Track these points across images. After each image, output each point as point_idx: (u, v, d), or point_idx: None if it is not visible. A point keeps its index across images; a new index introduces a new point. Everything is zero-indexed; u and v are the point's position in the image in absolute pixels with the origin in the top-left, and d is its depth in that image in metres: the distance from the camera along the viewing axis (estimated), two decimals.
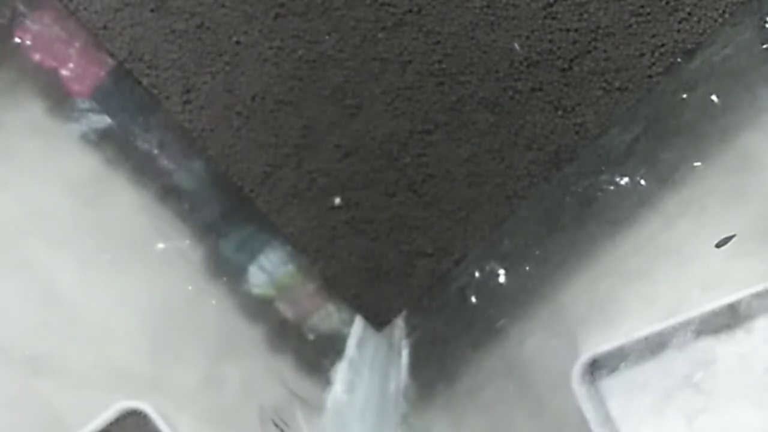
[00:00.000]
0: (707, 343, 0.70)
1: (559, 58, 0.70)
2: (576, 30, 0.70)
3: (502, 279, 0.72)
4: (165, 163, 0.73)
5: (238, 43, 0.71)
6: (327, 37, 0.70)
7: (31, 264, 0.73)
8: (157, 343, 0.73)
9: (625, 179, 0.72)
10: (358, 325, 0.71)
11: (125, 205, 0.73)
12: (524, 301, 0.72)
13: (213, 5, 0.71)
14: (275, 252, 0.72)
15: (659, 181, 0.72)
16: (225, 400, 0.73)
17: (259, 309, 0.73)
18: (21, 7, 0.73)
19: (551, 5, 0.70)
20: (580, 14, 0.70)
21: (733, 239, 0.71)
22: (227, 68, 0.71)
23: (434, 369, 0.72)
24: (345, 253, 0.70)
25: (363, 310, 0.71)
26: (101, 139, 0.73)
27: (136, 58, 0.71)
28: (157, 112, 0.72)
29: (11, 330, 0.72)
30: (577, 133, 0.70)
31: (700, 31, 0.70)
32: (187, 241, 0.73)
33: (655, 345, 0.70)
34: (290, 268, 0.72)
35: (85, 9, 0.71)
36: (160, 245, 0.73)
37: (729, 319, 0.70)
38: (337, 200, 0.70)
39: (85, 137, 0.73)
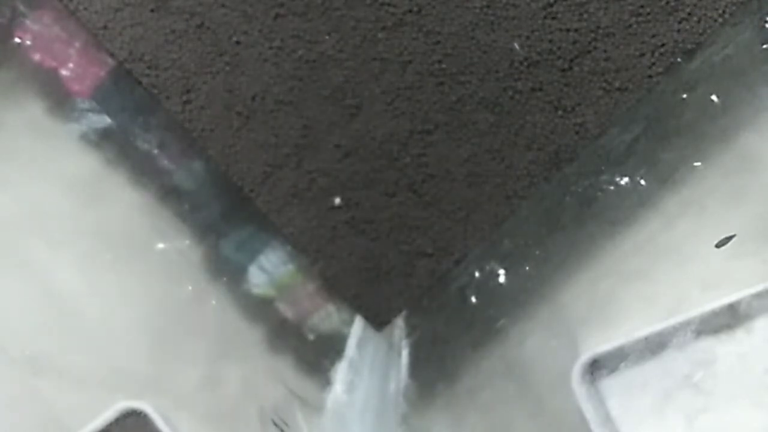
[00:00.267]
0: (707, 343, 0.70)
1: (559, 58, 0.70)
2: (576, 30, 0.70)
3: (502, 279, 0.72)
4: (165, 163, 0.73)
5: (238, 43, 0.71)
6: (327, 37, 0.70)
7: (31, 264, 0.73)
8: (156, 343, 0.73)
9: (625, 179, 0.72)
10: (358, 325, 0.71)
11: (125, 205, 0.73)
12: (524, 301, 0.72)
13: (213, 5, 0.71)
14: (275, 252, 0.72)
15: (659, 181, 0.72)
16: (225, 400, 0.73)
17: (259, 309, 0.73)
18: (21, 7, 0.73)
19: (551, 5, 0.70)
20: (580, 14, 0.70)
21: (733, 239, 0.71)
22: (227, 68, 0.71)
23: (434, 369, 0.72)
24: (345, 253, 0.70)
25: (363, 310, 0.71)
26: (101, 139, 0.73)
27: (136, 58, 0.71)
28: (157, 112, 0.72)
29: (11, 330, 0.72)
30: (577, 133, 0.70)
31: (700, 31, 0.70)
32: (187, 241, 0.73)
33: (655, 345, 0.70)
34: (290, 268, 0.72)
35: (85, 9, 0.71)
36: (160, 245, 0.73)
37: (729, 319, 0.70)
38: (337, 200, 0.70)
39: (85, 137, 0.73)
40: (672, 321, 0.70)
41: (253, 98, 0.71)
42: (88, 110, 0.73)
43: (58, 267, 0.73)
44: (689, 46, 0.70)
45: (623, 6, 0.70)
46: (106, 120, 0.73)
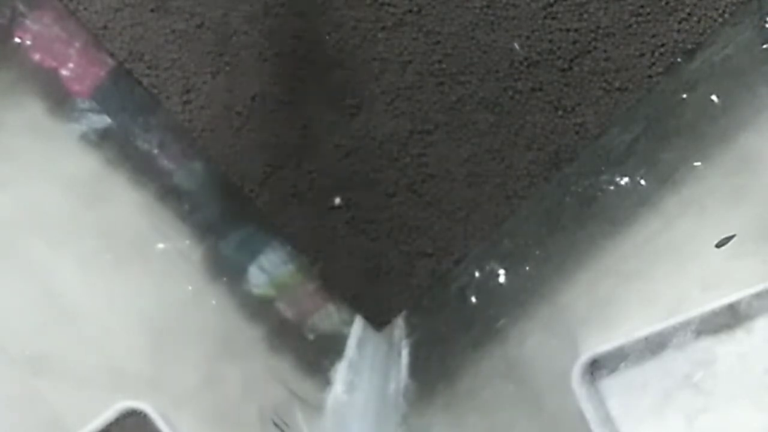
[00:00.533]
0: (707, 343, 0.70)
1: (559, 58, 0.70)
2: (576, 30, 0.70)
3: (502, 279, 0.72)
4: (165, 163, 0.73)
5: (238, 43, 0.71)
6: (327, 37, 0.70)
7: (31, 264, 0.73)
8: (156, 343, 0.73)
9: (625, 179, 0.72)
10: (358, 325, 0.71)
11: (125, 205, 0.73)
12: (524, 301, 0.72)
13: (213, 5, 0.71)
14: (275, 252, 0.72)
15: (659, 181, 0.72)
16: (225, 400, 0.73)
17: (259, 309, 0.73)
18: (21, 7, 0.73)
19: (551, 5, 0.70)
20: (580, 14, 0.70)
21: (733, 239, 0.71)
22: (227, 68, 0.71)
23: (434, 369, 0.72)
24: (345, 253, 0.70)
25: (363, 310, 0.71)
26: (101, 139, 0.73)
27: (136, 58, 0.71)
28: (157, 112, 0.72)
29: (11, 330, 0.72)
30: (577, 133, 0.70)
31: (700, 31, 0.70)
32: (187, 241, 0.73)
33: (655, 345, 0.70)
34: (290, 268, 0.72)
35: (85, 9, 0.71)
36: (160, 245, 0.73)
37: (729, 319, 0.70)
38: (337, 200, 0.70)
39: (85, 137, 0.73)
40: (672, 321, 0.70)
41: (253, 98, 0.71)
42: (88, 110, 0.73)
43: (58, 267, 0.73)
44: (689, 46, 0.70)
45: (623, 6, 0.70)
46: (106, 120, 0.73)
